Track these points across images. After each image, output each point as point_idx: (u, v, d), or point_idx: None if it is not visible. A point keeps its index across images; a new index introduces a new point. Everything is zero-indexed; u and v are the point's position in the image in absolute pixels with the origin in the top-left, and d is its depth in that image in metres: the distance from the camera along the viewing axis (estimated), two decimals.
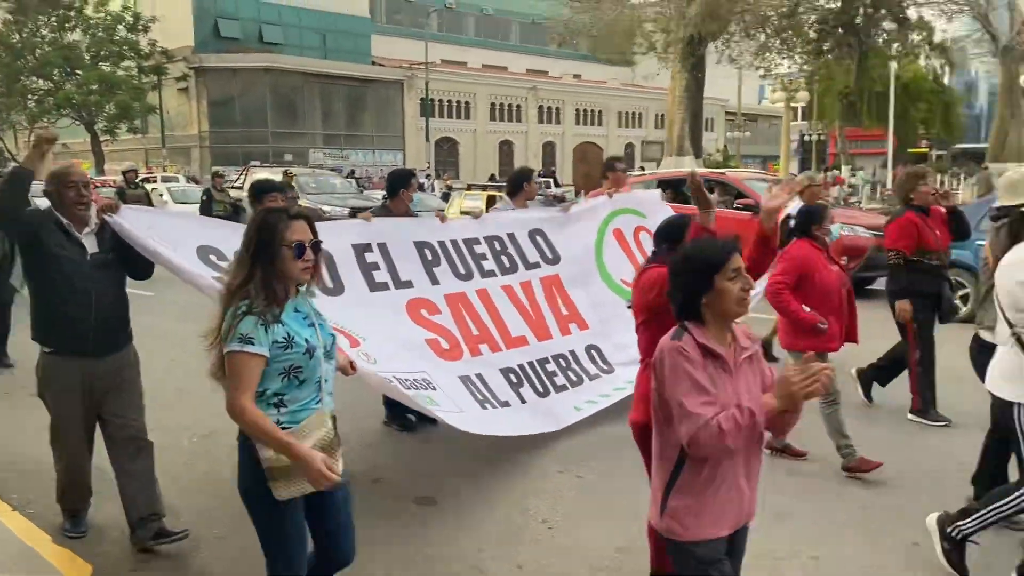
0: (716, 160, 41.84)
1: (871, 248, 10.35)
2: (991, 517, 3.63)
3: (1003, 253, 3.84)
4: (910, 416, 5.98)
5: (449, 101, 52.55)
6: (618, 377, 6.00)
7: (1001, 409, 3.68)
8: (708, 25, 23.85)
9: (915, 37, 34.34)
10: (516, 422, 5.19)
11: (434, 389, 4.82)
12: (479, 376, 5.30)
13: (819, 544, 4.07)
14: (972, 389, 5.66)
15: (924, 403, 5.95)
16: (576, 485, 4.90)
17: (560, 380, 5.81)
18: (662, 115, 37.07)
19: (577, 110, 58.92)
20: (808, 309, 4.81)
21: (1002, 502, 3.59)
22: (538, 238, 6.34)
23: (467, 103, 53.51)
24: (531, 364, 5.71)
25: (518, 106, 55.98)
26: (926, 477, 4.93)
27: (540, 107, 56.91)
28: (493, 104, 54.74)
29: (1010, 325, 3.58)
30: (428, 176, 36.76)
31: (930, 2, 30.40)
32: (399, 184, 5.88)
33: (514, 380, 5.52)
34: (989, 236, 4.63)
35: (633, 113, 61.78)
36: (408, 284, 5.39)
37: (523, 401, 5.44)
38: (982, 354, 4.09)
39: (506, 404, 5.30)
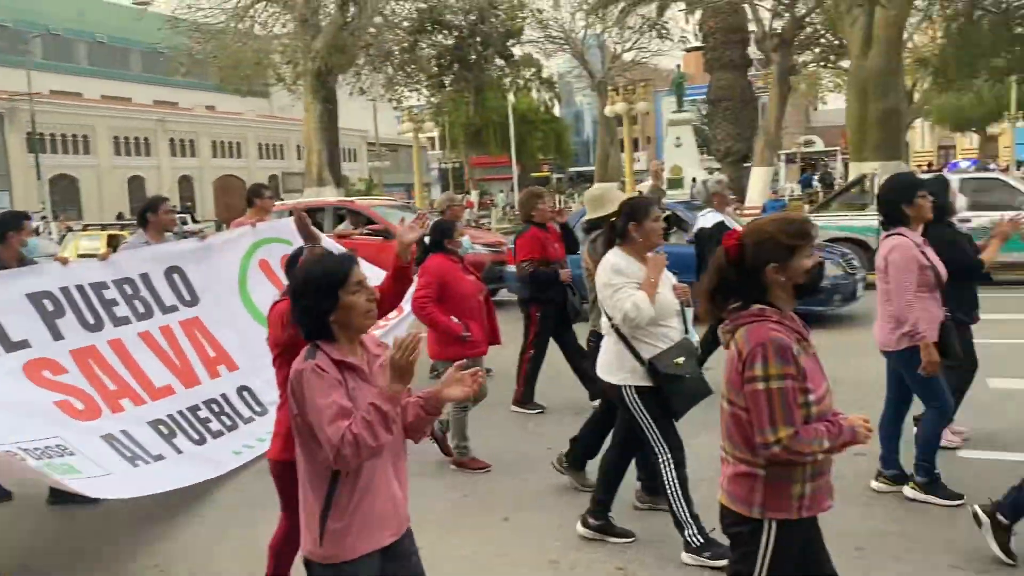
0: (359, 189, 42.71)
1: (489, 263, 11.46)
2: (680, 504, 3.92)
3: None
4: (513, 408, 6.76)
5: (63, 135, 47.39)
6: (270, 419, 5.91)
7: (613, 392, 4.11)
8: (335, 58, 24.31)
9: (526, 73, 38.22)
10: (175, 475, 4.91)
11: (72, 455, 4.39)
12: (124, 432, 4.92)
13: (422, 534, 4.43)
14: (566, 381, 6.65)
15: (526, 395, 6.75)
16: (198, 523, 4.85)
17: (215, 426, 5.57)
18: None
19: (214, 142, 56.40)
20: (455, 320, 5.19)
21: (668, 491, 3.95)
22: (175, 276, 5.95)
23: (85, 136, 48.67)
24: (181, 413, 5.41)
25: (146, 139, 52.15)
26: (522, 458, 5.62)
27: (172, 140, 53.55)
28: (117, 138, 50.37)
29: (609, 318, 4.04)
30: (44, 218, 33.00)
31: (531, 41, 34.09)
32: (8, 228, 5.35)
33: (165, 432, 5.19)
34: (587, 246, 5.19)
35: (273, 145, 60.72)
36: (23, 344, 4.81)
37: (179, 452, 5.15)
38: (599, 349, 4.50)
39: (160, 457, 4.99)
